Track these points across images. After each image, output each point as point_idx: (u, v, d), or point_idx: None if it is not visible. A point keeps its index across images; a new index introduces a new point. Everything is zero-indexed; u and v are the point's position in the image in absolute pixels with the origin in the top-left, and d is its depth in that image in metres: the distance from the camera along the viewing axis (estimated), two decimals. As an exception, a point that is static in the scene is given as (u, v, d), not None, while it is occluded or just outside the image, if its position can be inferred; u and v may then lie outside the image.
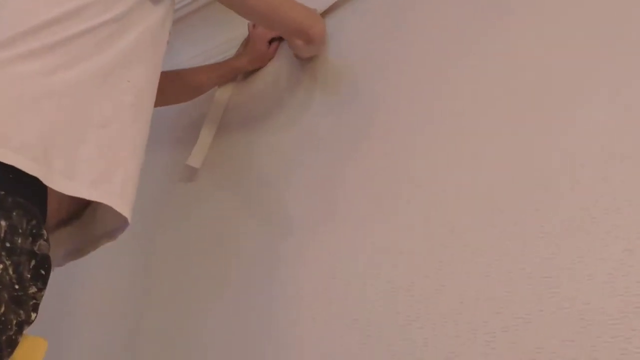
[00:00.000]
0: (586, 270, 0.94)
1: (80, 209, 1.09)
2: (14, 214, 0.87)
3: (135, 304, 1.55)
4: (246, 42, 1.54)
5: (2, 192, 0.87)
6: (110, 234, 1.08)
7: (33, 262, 0.89)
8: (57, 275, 1.02)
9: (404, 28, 1.32)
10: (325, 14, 1.41)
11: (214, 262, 1.42)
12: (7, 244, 0.86)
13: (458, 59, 1.20)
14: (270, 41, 1.50)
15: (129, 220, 0.99)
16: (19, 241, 0.87)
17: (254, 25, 1.51)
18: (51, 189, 0.93)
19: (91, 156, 0.95)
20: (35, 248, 0.90)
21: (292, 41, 1.38)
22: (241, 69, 1.55)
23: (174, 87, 1.50)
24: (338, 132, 1.33)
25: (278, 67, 1.51)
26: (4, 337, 0.85)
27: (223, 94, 1.56)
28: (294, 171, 1.37)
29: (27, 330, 0.91)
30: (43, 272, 0.91)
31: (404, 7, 1.33)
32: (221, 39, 1.66)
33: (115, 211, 0.97)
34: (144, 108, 1.05)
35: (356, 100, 1.33)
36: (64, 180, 0.93)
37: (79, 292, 1.66)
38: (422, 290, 1.07)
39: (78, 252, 1.13)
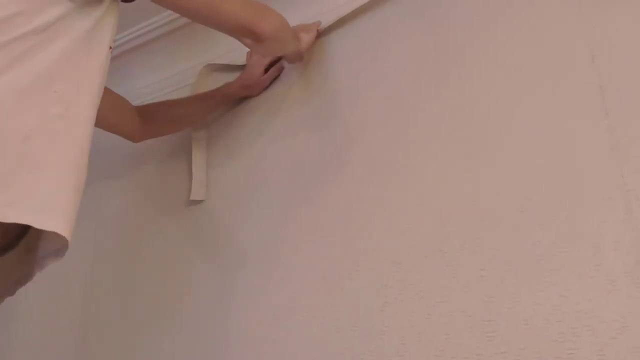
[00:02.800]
0: (523, 314, 0.96)
1: (21, 231, 1.01)
2: None
3: (82, 335, 1.52)
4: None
5: None
6: (57, 252, 1.00)
7: None
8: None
9: (379, 58, 1.32)
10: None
11: (165, 293, 1.41)
12: None
13: (429, 97, 1.21)
14: (267, 69, 1.46)
15: (64, 234, 0.91)
16: None
17: (251, 54, 1.48)
18: None
19: (10, 172, 0.89)
20: None
21: (242, 41, 1.23)
22: (233, 95, 1.50)
23: (166, 118, 1.49)
24: (295, 164, 1.34)
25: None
26: None
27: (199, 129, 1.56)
28: (249, 203, 1.38)
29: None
30: None
31: (384, 35, 1.33)
32: (180, 67, 1.67)
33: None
34: (78, 119, 0.98)
35: (313, 133, 1.34)
36: None
37: (22, 319, 1.64)
38: (366, 330, 1.08)
39: (27, 276, 1.06)
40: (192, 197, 1.47)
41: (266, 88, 1.47)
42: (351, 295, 1.13)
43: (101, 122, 1.40)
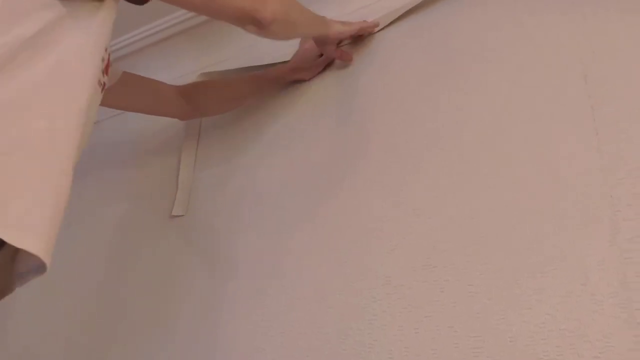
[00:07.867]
0: (509, 332, 0.97)
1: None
2: None
3: (72, 346, 1.53)
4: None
5: None
6: (38, 269, 0.93)
7: None
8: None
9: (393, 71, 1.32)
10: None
11: (157, 303, 1.43)
12: None
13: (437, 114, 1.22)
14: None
15: (37, 254, 0.85)
16: None
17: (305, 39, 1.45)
18: None
19: None
20: None
21: (246, 29, 1.18)
22: (283, 78, 1.47)
23: (213, 99, 1.50)
24: (289, 176, 1.36)
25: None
26: None
27: (190, 140, 1.58)
28: (242, 214, 1.39)
29: None
30: None
31: (389, 54, 1.35)
32: (188, 68, 1.69)
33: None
34: (63, 133, 0.92)
35: (308, 149, 1.36)
36: None
37: (12, 328, 1.65)
38: (355, 343, 1.09)
39: (6, 289, 0.98)
40: (173, 213, 1.49)
41: (319, 73, 1.44)
42: (340, 308, 1.14)
43: (141, 108, 1.43)
